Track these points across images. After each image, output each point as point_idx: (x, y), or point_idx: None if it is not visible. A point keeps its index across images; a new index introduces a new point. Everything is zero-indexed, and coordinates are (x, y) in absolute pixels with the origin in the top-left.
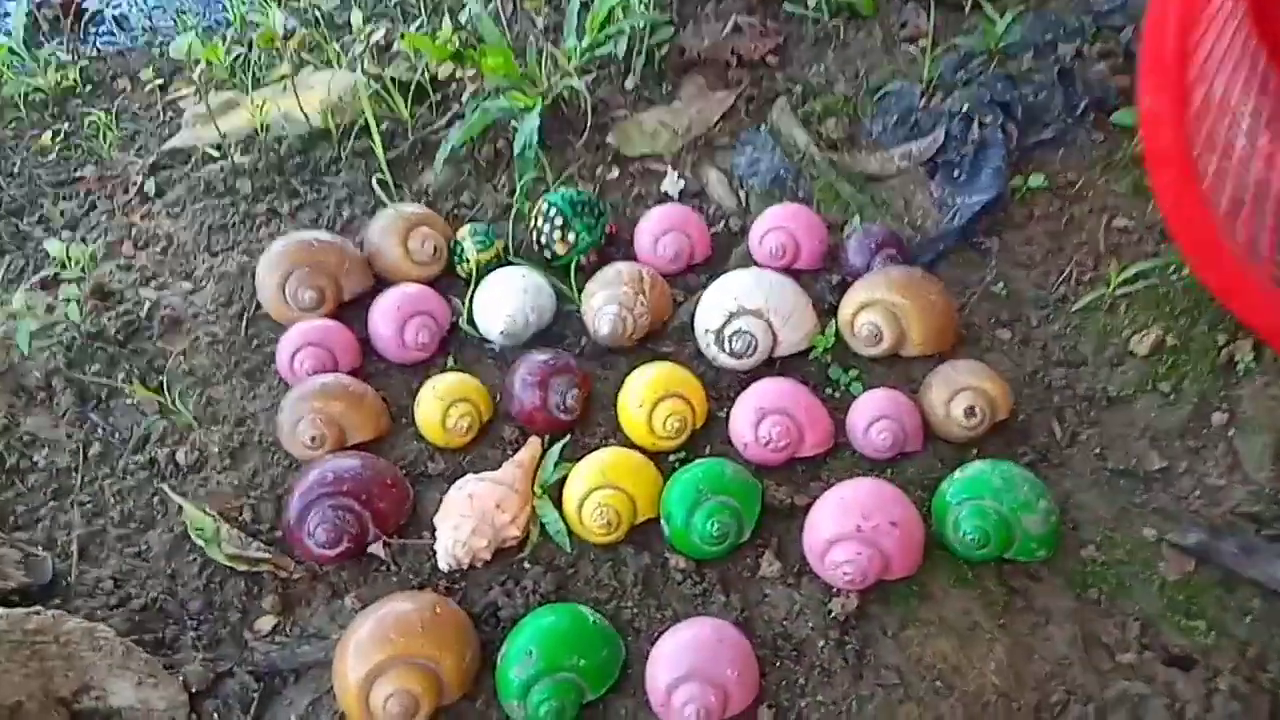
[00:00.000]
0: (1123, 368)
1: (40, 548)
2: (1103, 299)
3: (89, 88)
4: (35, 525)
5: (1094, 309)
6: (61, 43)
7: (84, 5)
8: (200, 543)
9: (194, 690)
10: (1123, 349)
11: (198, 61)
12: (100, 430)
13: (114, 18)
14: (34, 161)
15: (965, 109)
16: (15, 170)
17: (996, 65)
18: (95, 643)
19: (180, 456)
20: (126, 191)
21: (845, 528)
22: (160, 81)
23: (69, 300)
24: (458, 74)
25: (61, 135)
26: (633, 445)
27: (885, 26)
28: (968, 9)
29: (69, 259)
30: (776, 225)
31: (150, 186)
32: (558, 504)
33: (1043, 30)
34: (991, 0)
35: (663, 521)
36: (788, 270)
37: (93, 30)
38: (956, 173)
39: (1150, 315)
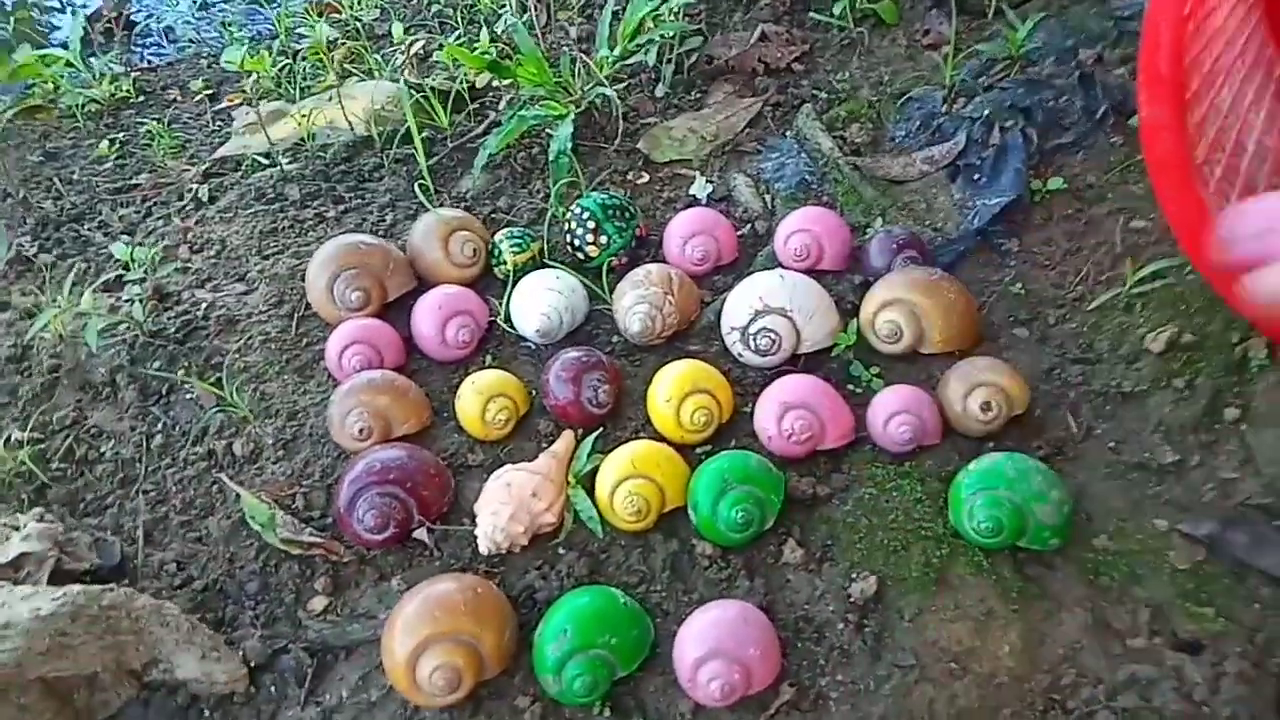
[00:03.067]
0: (1138, 364)
1: (109, 532)
2: (1119, 298)
3: (141, 98)
4: (104, 512)
5: (1110, 308)
6: (115, 55)
7: (133, 18)
8: (257, 528)
9: (253, 664)
10: (1138, 346)
11: (249, 73)
12: (162, 423)
13: (161, 30)
14: (91, 170)
15: (986, 114)
16: (74, 178)
17: (1018, 70)
18: (163, 619)
19: (237, 448)
20: (181, 198)
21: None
22: (210, 92)
23: (133, 300)
24: (494, 83)
25: (117, 144)
26: (661, 438)
27: (908, 34)
28: (989, 15)
29: (133, 261)
30: (801, 227)
31: (203, 193)
32: (590, 493)
33: (1064, 36)
34: (1014, 6)
35: (690, 510)
36: (811, 271)
37: (140, 43)
38: (977, 176)
39: (1165, 314)
